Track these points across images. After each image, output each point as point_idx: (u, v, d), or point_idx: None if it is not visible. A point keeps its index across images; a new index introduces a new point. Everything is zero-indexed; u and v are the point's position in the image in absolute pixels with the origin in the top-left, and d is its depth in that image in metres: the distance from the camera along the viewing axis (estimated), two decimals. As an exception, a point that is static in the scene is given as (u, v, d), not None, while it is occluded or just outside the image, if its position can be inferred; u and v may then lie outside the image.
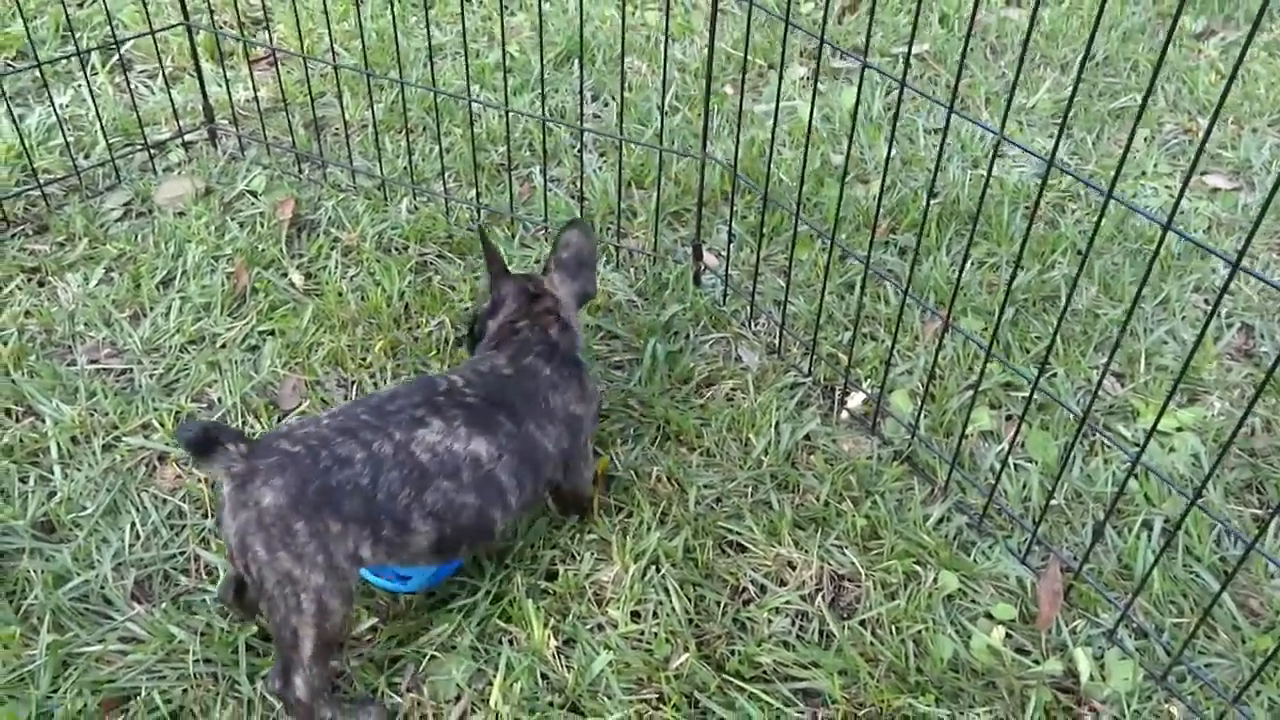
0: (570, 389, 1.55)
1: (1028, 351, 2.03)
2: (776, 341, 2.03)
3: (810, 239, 2.28)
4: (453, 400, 1.42)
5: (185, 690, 1.42)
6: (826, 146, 2.57)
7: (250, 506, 1.25)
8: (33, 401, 1.82)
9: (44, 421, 1.79)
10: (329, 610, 1.28)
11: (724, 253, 2.17)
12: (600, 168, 2.51)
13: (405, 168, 2.42)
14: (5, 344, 1.94)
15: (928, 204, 1.66)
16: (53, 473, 1.71)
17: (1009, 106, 1.36)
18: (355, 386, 1.91)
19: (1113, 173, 1.28)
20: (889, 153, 1.65)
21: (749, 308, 2.09)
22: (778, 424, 1.85)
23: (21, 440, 1.75)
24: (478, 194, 2.32)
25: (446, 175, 2.39)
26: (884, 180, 1.70)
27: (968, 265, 1.57)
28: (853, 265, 2.21)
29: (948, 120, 1.45)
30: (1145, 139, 2.72)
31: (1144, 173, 2.57)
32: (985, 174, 2.44)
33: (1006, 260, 2.22)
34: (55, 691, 1.41)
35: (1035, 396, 1.75)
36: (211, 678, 1.44)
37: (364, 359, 1.96)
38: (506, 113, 2.17)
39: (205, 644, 1.47)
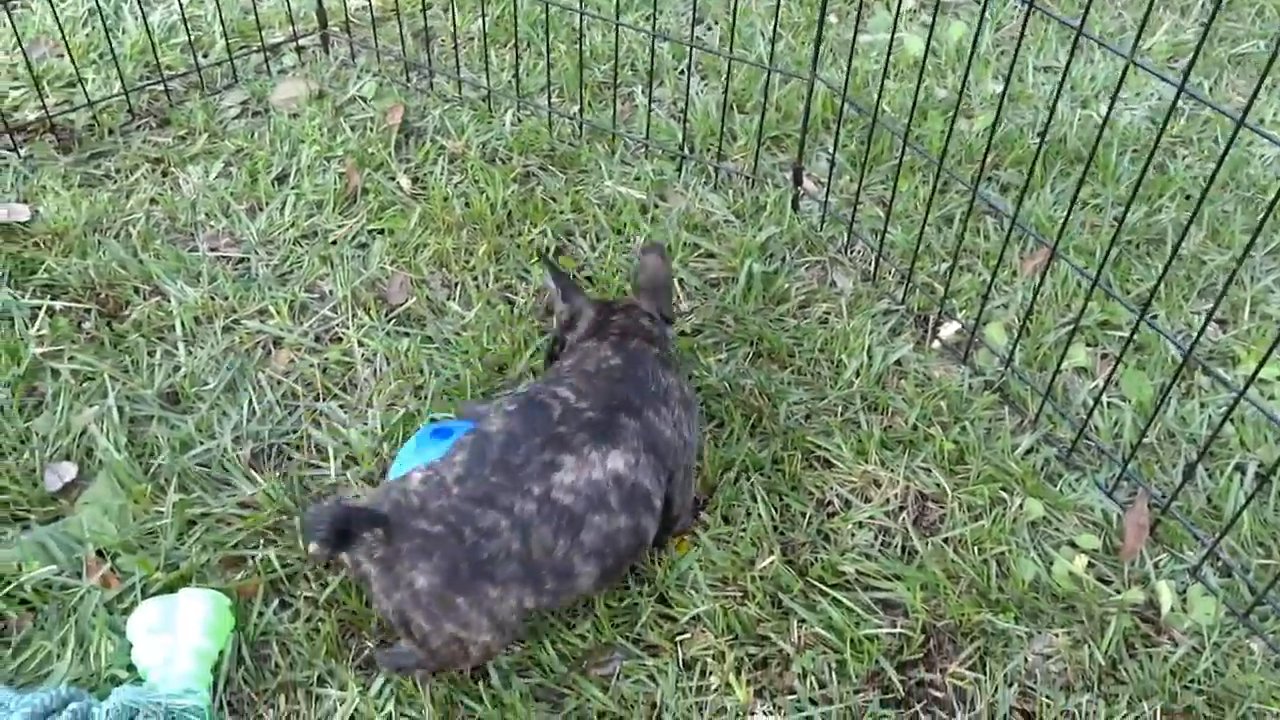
0: (678, 372, 1.53)
1: (1128, 293, 2.00)
2: (872, 269, 2.04)
3: (911, 171, 2.27)
4: (573, 424, 1.35)
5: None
6: (931, 80, 2.54)
7: (403, 588, 1.23)
8: (159, 282, 1.92)
9: (169, 301, 1.89)
10: (493, 651, 1.32)
11: (823, 180, 2.18)
12: (702, 90, 2.51)
13: (511, 81, 2.45)
14: (134, 228, 2.04)
15: (1042, 142, 1.64)
16: (177, 349, 1.81)
17: (1141, 29, 1.34)
18: (459, 288, 1.97)
19: (1241, 110, 1.26)
20: (1004, 88, 1.64)
21: (846, 234, 2.10)
22: (870, 348, 1.87)
23: (149, 317, 1.85)
24: (580, 109, 2.34)
25: (551, 90, 2.41)
26: (998, 116, 1.69)
27: (1071, 205, 1.56)
28: (951, 199, 2.20)
29: (1075, 42, 1.43)
30: (1267, 88, 2.63)
31: (1262, 120, 2.50)
32: (1102, 110, 2.39)
33: (1112, 201, 2.19)
34: (180, 545, 1.52)
35: (1134, 337, 1.74)
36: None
37: (468, 261, 2.02)
38: (616, 26, 2.18)
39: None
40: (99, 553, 1.49)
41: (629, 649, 1.44)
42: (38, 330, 1.80)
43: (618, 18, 2.16)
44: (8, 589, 1.43)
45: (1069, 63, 1.51)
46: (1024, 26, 1.53)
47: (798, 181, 2.18)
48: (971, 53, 1.62)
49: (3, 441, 1.60)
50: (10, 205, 2.05)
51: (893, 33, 1.77)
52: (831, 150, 2.18)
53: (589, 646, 1.44)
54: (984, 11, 1.61)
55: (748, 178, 2.25)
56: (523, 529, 1.27)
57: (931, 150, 2.27)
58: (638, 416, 1.40)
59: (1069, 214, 1.61)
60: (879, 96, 1.90)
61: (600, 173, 2.25)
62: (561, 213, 2.14)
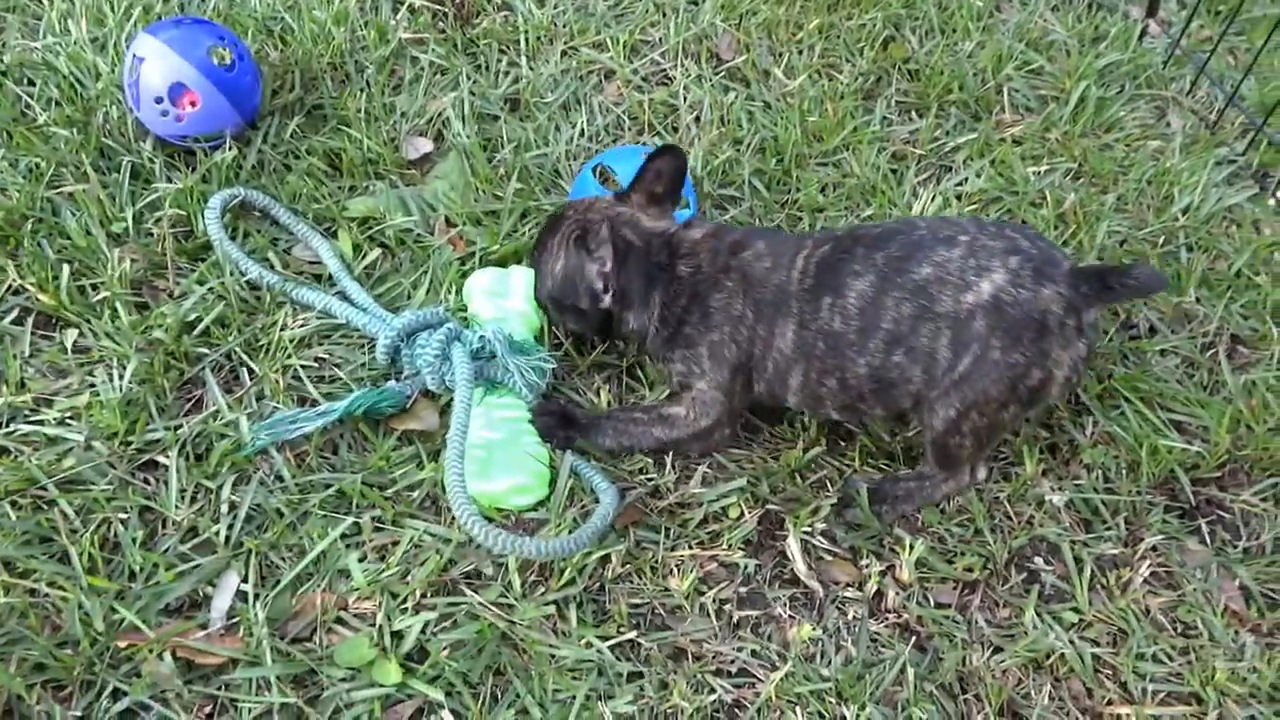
0: None
1: None
2: (1214, 117, 1.93)
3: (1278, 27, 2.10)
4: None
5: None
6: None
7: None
8: (509, -2, 2.01)
9: (517, 16, 1.97)
10: None
11: (1173, 19, 2.05)
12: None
13: None
14: (485, -54, 2.12)
15: None
16: (520, 61, 1.90)
17: None
18: (784, 58, 1.98)
19: None
20: None
21: (1192, 77, 1.98)
22: (1202, 187, 1.79)
23: (499, 27, 1.95)
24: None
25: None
26: None
27: None
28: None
29: None
30: None
31: None
32: None
33: None
34: (515, 230, 1.64)
35: None
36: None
37: (794, 34, 2.02)
38: None
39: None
40: (447, 221, 1.63)
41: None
42: (397, 20, 1.92)
43: None
44: (373, 230, 1.58)
45: None
46: None
47: (1151, 13, 2.06)
48: None
49: (370, 109, 1.74)
50: (377, -93, 2.16)
51: None
52: (1197, -16, 2.04)
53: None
54: None
55: (1093, 3, 2.13)
56: None
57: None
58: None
59: None
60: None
61: (937, -27, 2.18)
62: (892, 4, 2.09)
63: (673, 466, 1.37)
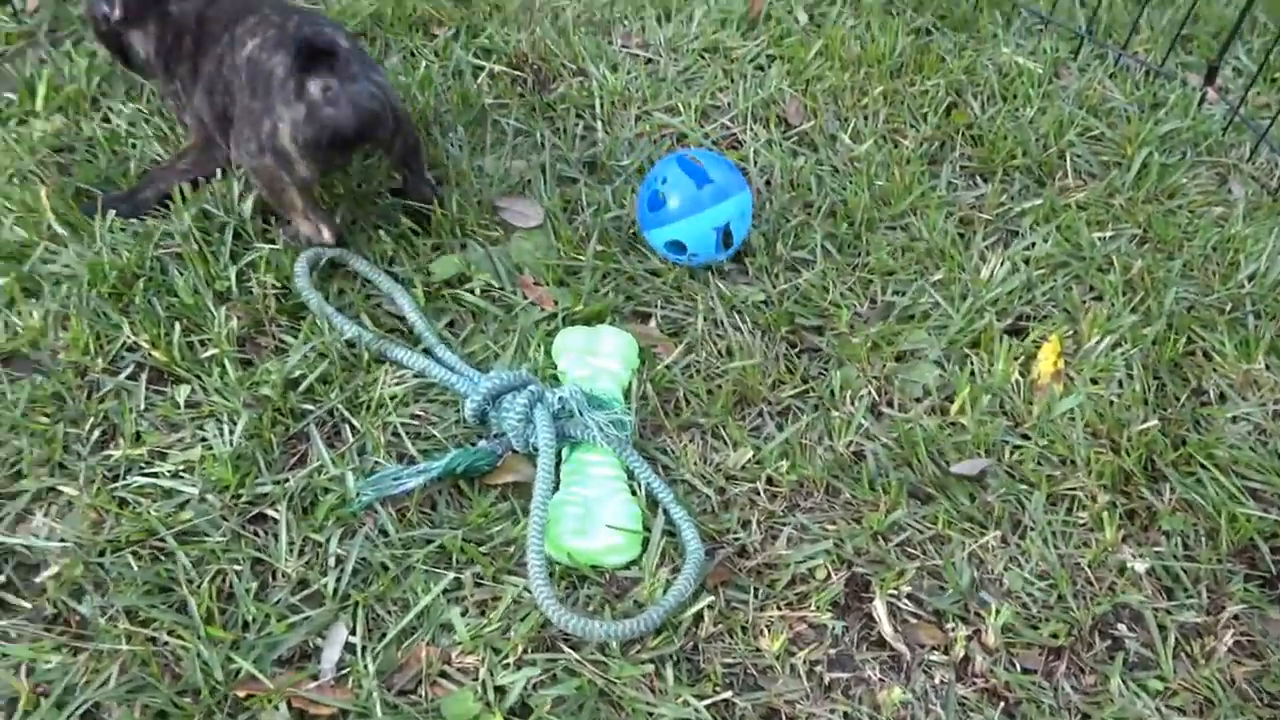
0: None
1: None
2: (1276, 184, 1.97)
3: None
4: None
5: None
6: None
7: None
8: (583, 63, 2.08)
9: (591, 82, 2.04)
10: None
11: (1231, 87, 2.09)
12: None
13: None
14: (560, 14, 2.20)
15: None
16: (595, 125, 1.97)
17: None
18: (850, 123, 2.04)
19: None
20: None
21: (1251, 145, 2.02)
22: (1267, 254, 1.82)
23: (575, 92, 2.02)
24: (985, -25, 2.33)
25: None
26: None
27: None
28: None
29: None
30: None
31: None
32: None
33: None
34: (597, 290, 1.69)
35: None
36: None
37: (859, 100, 2.08)
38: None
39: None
40: (534, 280, 1.68)
41: (997, 470, 1.51)
42: (479, 85, 2.00)
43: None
44: (460, 289, 1.64)
45: None
46: None
47: (1209, 81, 2.11)
48: None
49: (459, 171, 1.81)
50: (456, -25, 2.25)
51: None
52: (1250, 55, 2.09)
53: (962, 456, 1.52)
54: None
55: (1150, 71, 2.18)
56: None
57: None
58: None
59: None
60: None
61: (995, 41, 2.24)
62: (953, 71, 2.15)
63: (759, 526, 1.41)
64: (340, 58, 1.45)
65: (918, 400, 1.60)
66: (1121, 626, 1.37)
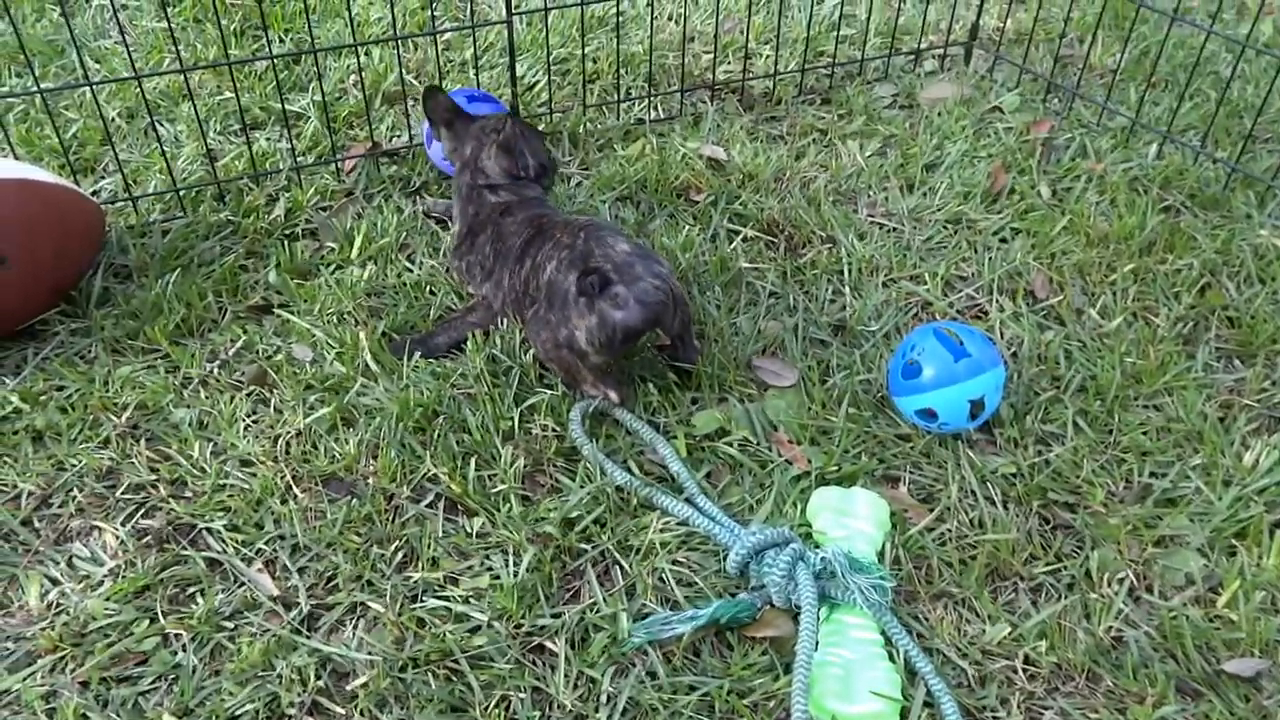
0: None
1: None
2: None
3: None
4: None
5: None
6: None
7: None
8: (832, 231, 2.20)
9: (840, 249, 2.16)
10: None
11: None
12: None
13: (1154, 115, 2.48)
14: (809, 184, 2.35)
15: None
16: (844, 290, 2.07)
17: None
18: (1098, 299, 2.06)
19: None
20: None
21: None
22: None
23: (824, 258, 2.13)
24: (1236, 156, 2.32)
25: (1199, 133, 2.41)
26: None
27: None
28: None
29: None
30: None
31: None
32: None
33: None
34: (848, 452, 1.75)
35: None
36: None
37: (1108, 275, 2.10)
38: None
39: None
40: (788, 439, 1.77)
41: (1274, 673, 1.45)
42: (734, 249, 2.15)
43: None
44: (717, 443, 1.74)
45: None
46: None
47: None
48: None
49: (717, 329, 1.94)
50: (712, 145, 2.45)
51: None
52: None
53: (1234, 653, 1.47)
54: None
55: None
56: None
57: None
58: None
59: None
60: None
61: (1250, 222, 2.23)
62: (1205, 251, 2.14)
63: (1019, 707, 1.39)
64: (619, 272, 1.66)
65: (1179, 589, 1.56)
66: None
